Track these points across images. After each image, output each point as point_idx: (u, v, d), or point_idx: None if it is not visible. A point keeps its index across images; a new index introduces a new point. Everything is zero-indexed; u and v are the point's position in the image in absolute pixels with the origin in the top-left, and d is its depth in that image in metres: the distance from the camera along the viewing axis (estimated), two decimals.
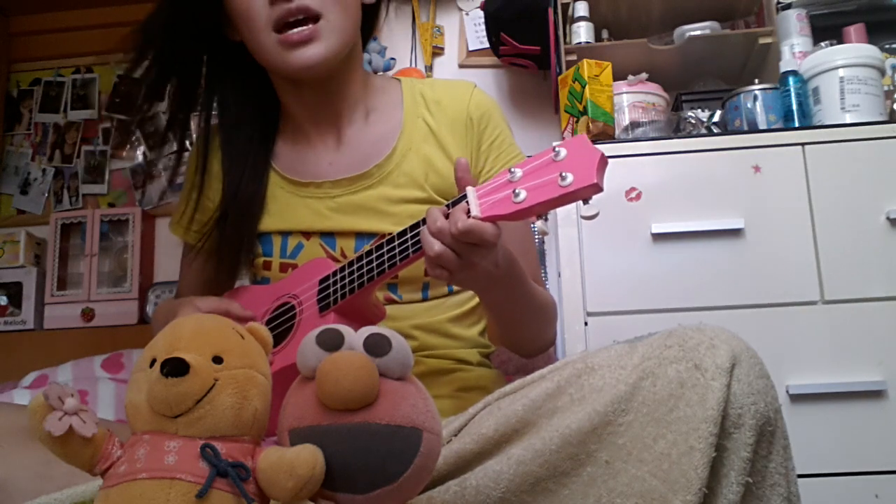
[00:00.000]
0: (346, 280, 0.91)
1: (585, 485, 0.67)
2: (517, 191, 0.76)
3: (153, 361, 0.57)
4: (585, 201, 0.75)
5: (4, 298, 2.18)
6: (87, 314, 2.15)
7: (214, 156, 1.13)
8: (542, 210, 0.76)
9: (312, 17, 0.98)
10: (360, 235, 1.05)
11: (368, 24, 1.12)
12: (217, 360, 0.58)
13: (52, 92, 2.39)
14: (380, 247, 0.89)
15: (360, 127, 1.09)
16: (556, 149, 0.75)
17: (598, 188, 0.73)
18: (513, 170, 0.77)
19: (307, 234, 1.07)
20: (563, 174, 0.73)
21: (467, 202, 0.79)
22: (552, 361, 0.94)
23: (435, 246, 0.79)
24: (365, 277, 0.89)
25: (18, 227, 2.24)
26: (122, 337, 2.03)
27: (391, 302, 1.05)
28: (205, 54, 1.10)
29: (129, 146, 2.33)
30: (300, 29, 0.98)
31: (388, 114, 1.10)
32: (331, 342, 0.59)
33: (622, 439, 0.67)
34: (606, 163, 0.74)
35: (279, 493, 0.56)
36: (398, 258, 0.86)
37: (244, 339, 0.62)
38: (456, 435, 0.76)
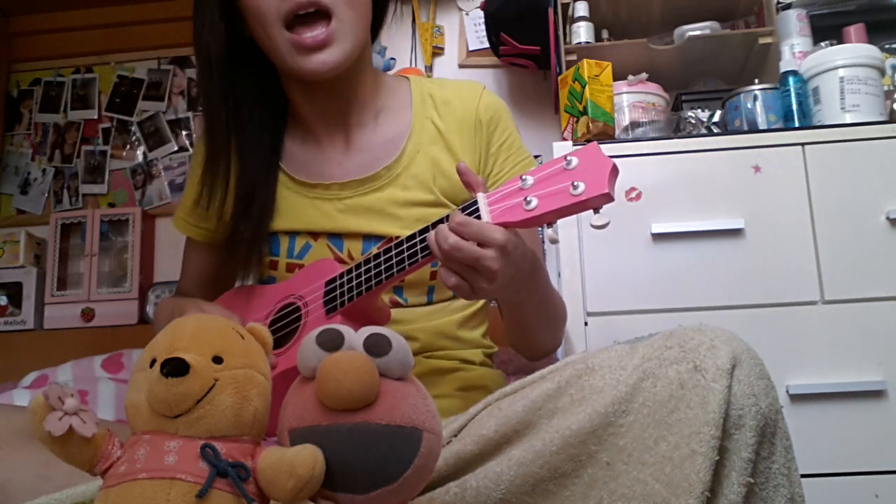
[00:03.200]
0: (354, 283, 0.91)
1: (586, 486, 0.67)
2: (528, 198, 0.76)
3: (153, 361, 0.57)
4: (596, 210, 0.75)
5: (4, 298, 2.18)
6: (87, 314, 2.15)
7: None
8: (552, 218, 0.77)
9: (324, 11, 0.97)
10: (368, 237, 1.05)
11: (375, 22, 1.12)
12: (217, 360, 0.58)
13: (52, 92, 2.39)
14: (388, 250, 0.88)
15: (370, 128, 1.09)
16: (568, 157, 0.76)
17: (609, 198, 0.73)
18: (524, 177, 0.78)
19: (315, 235, 1.07)
20: (575, 183, 0.73)
21: (478, 208, 0.79)
22: (553, 361, 0.94)
23: (449, 239, 0.78)
24: (373, 281, 0.89)
25: (18, 227, 2.24)
26: (122, 337, 2.03)
27: (396, 305, 1.05)
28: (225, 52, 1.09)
29: (128, 146, 2.34)
30: (314, 33, 0.96)
31: (397, 114, 1.10)
32: (331, 342, 0.59)
33: (623, 440, 0.67)
34: (618, 172, 0.75)
35: (279, 493, 0.56)
36: (406, 262, 0.86)
37: (244, 340, 0.62)
38: (456, 435, 0.76)
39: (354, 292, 0.91)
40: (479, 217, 0.79)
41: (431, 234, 0.81)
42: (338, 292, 0.93)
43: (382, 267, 0.88)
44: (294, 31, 0.97)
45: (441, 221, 0.82)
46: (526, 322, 1.01)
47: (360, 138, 1.09)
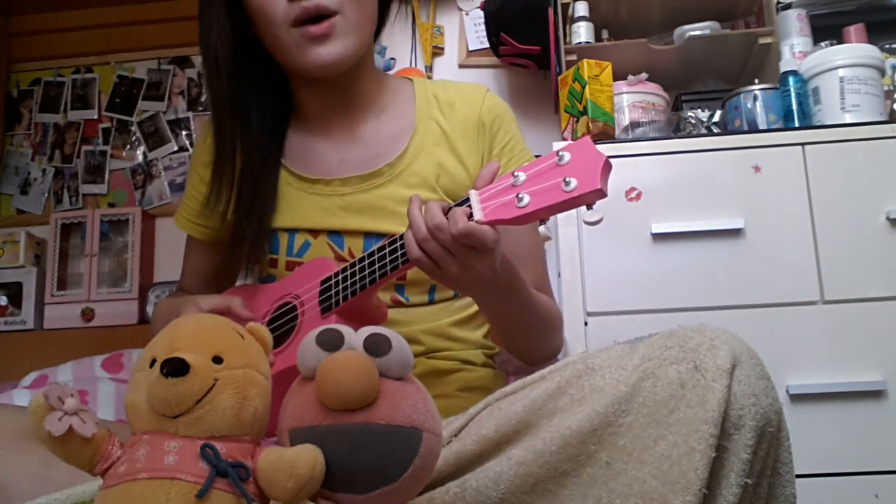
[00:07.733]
0: (349, 281, 0.91)
1: (586, 485, 0.67)
2: (520, 195, 0.75)
3: (153, 361, 0.57)
4: (589, 206, 0.74)
5: (4, 298, 2.18)
6: (87, 314, 2.15)
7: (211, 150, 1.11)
8: (545, 215, 0.76)
9: (330, 15, 0.97)
10: (369, 235, 1.04)
11: (377, 22, 1.12)
12: (217, 360, 0.58)
13: (52, 92, 2.39)
14: (382, 248, 0.88)
15: (373, 125, 1.09)
16: (560, 153, 0.75)
17: (602, 193, 0.72)
18: (516, 174, 0.77)
19: (314, 233, 1.07)
20: (567, 179, 0.73)
21: (469, 205, 0.79)
22: (553, 362, 0.94)
23: (422, 229, 0.79)
24: (367, 280, 0.88)
25: (18, 227, 2.24)
26: (122, 337, 2.03)
27: (398, 304, 1.04)
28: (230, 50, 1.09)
29: (128, 146, 2.34)
30: (320, 25, 0.97)
31: (401, 113, 1.09)
32: (330, 342, 0.59)
33: (623, 440, 0.67)
34: (610, 167, 0.74)
35: (279, 493, 0.56)
36: (400, 261, 0.85)
37: (244, 339, 0.62)
38: (456, 435, 0.76)
39: (349, 291, 0.90)
40: (471, 214, 0.78)
41: (414, 209, 0.80)
42: (332, 291, 0.93)
43: (377, 266, 0.87)
44: (301, 27, 0.98)
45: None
46: (509, 327, 1.00)
47: (363, 135, 1.09)
